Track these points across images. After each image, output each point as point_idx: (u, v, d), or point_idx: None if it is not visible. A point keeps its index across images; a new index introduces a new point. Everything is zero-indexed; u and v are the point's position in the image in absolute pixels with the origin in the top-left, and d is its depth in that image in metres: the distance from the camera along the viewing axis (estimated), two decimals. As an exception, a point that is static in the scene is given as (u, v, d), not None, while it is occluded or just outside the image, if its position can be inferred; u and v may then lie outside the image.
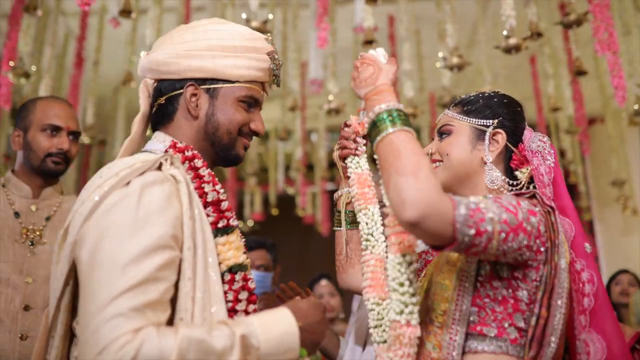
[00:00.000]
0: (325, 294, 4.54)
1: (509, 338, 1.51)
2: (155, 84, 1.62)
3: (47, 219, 2.59)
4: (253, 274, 3.43)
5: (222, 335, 1.26)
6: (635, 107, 5.14)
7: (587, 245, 1.70)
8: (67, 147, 2.59)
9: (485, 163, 1.71)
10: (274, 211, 8.56)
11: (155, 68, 1.59)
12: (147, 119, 1.66)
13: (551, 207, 1.56)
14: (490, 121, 1.74)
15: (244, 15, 4.22)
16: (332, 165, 9.14)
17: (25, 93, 5.86)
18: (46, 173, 2.61)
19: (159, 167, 1.42)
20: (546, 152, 1.73)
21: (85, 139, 6.15)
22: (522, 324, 1.51)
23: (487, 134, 1.73)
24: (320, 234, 8.54)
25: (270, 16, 4.89)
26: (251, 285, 1.50)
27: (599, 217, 8.92)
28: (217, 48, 1.56)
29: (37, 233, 2.54)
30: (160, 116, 1.61)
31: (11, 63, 4.39)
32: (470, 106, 1.78)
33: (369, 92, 1.57)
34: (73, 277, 1.38)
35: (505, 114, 1.76)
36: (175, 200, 1.37)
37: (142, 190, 1.33)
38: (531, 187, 1.72)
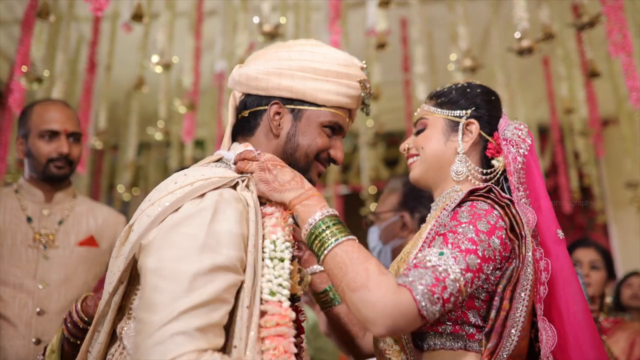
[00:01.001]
0: None
1: (466, 334, 1.50)
2: (242, 97, 1.63)
3: (60, 223, 2.60)
4: None
5: None
6: (649, 109, 5.10)
7: (559, 231, 1.67)
8: (67, 150, 2.57)
9: (458, 154, 1.71)
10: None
11: (245, 82, 1.60)
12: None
13: (508, 200, 1.55)
14: (464, 112, 1.74)
15: (256, 20, 4.22)
16: (345, 168, 9.14)
17: (37, 98, 5.89)
18: (51, 178, 2.60)
19: (234, 186, 1.42)
20: (520, 140, 1.71)
21: (97, 143, 6.17)
22: (478, 321, 1.49)
23: (461, 124, 1.73)
24: (334, 237, 8.53)
25: (282, 20, 4.90)
26: (301, 317, 1.52)
27: (614, 219, 8.85)
28: (309, 70, 1.55)
29: (50, 237, 2.55)
30: (241, 129, 1.62)
31: (24, 68, 4.41)
32: (443, 98, 1.77)
33: (298, 198, 1.43)
34: (128, 277, 1.38)
35: (478, 103, 1.75)
36: (245, 223, 1.36)
37: (217, 206, 1.33)
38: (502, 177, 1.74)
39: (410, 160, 1.80)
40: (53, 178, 2.60)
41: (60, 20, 5.36)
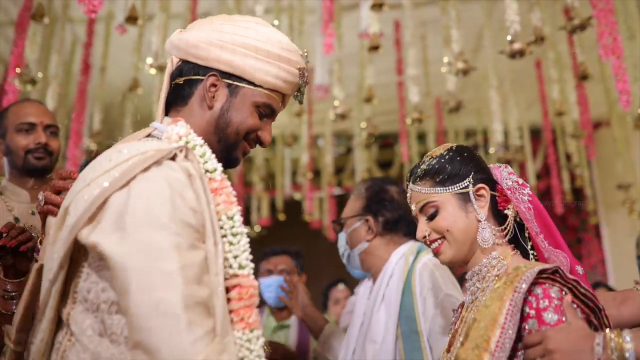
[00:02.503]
0: (341, 299, 4.59)
1: None
2: (179, 63, 1.61)
3: None
4: (264, 280, 3.43)
5: None
6: (640, 111, 5.15)
7: (578, 267, 1.74)
8: (45, 140, 2.58)
9: (480, 222, 1.75)
10: (281, 216, 8.58)
11: (184, 48, 1.58)
12: None
13: (574, 281, 1.59)
14: (466, 181, 1.77)
15: (249, 22, 4.23)
16: (339, 170, 9.16)
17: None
18: (31, 170, 2.60)
19: (173, 158, 1.40)
20: (519, 185, 1.78)
21: (92, 145, 6.18)
22: None
23: (471, 194, 1.76)
24: (327, 239, 8.56)
25: (276, 22, 4.93)
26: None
27: (606, 220, 8.90)
28: (252, 48, 1.55)
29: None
30: (174, 96, 1.60)
31: (18, 70, 4.42)
32: (441, 175, 1.78)
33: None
34: (69, 262, 1.36)
35: (472, 167, 1.79)
36: (193, 193, 1.36)
37: (166, 178, 1.33)
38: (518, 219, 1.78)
39: (435, 245, 1.79)
40: (33, 169, 2.59)
41: (54, 21, 5.37)
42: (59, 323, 1.39)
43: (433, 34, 6.12)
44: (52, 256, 1.36)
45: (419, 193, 1.81)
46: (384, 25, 4.89)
